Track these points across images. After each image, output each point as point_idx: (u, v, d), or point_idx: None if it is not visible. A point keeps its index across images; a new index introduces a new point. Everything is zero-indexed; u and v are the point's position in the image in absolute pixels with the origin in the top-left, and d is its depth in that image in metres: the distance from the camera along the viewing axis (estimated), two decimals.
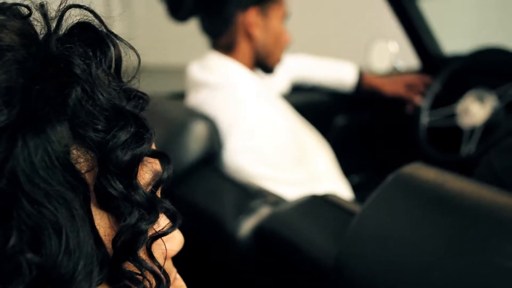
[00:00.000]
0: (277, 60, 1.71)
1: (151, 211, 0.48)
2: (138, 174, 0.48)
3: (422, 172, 0.86)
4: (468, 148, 1.84)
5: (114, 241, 0.47)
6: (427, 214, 0.80)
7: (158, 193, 0.52)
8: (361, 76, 2.16)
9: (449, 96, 2.00)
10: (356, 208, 1.02)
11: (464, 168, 1.74)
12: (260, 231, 1.16)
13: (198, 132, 1.50)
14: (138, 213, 0.47)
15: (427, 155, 1.93)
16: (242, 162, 1.49)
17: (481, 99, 1.87)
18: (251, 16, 1.60)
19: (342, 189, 1.61)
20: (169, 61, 6.78)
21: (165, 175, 0.50)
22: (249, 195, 1.33)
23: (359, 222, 0.89)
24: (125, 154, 0.46)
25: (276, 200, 1.28)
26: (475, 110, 1.87)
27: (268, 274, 1.18)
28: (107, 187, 0.45)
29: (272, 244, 1.13)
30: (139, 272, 0.48)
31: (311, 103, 2.16)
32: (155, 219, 0.48)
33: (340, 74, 2.15)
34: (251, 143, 1.49)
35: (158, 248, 0.51)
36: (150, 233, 0.50)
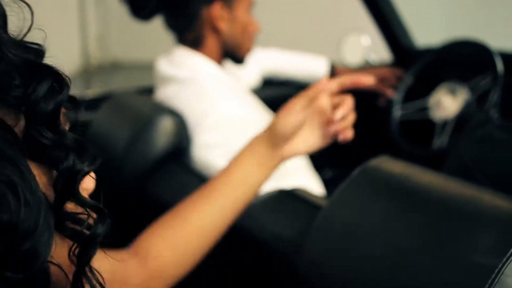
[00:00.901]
0: (247, 50, 1.68)
1: (83, 151, 0.50)
2: None
3: (389, 165, 0.84)
4: (440, 141, 1.83)
5: (55, 185, 0.49)
6: (393, 208, 0.77)
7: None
8: (333, 69, 2.14)
9: (422, 89, 1.98)
10: (324, 202, 0.99)
11: (437, 161, 1.72)
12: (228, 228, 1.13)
13: (165, 127, 1.47)
14: (72, 155, 0.49)
15: (400, 149, 1.92)
16: (210, 158, 1.46)
17: (453, 92, 1.86)
18: (216, 10, 1.57)
19: (313, 184, 1.58)
20: (143, 57, 6.72)
21: (79, 117, 0.53)
22: None
23: (325, 217, 0.87)
24: (48, 104, 0.47)
25: None
26: (447, 103, 1.86)
27: (234, 269, 1.15)
28: (39, 138, 0.47)
29: (238, 239, 1.10)
30: (79, 212, 0.51)
31: (283, 97, 2.12)
32: (87, 158, 0.51)
33: (311, 68, 2.13)
34: (219, 138, 1.46)
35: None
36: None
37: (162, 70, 1.63)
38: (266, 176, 1.02)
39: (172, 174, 1.43)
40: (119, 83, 6.50)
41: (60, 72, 0.50)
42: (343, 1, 2.62)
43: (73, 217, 0.50)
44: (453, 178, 0.78)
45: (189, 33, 1.61)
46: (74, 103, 0.52)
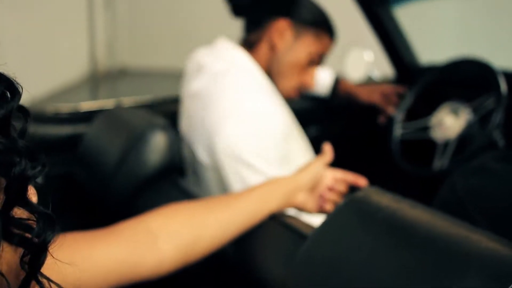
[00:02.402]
0: (284, 90, 1.64)
1: (34, 157, 0.50)
2: None
3: (376, 197, 0.80)
4: (441, 162, 1.79)
5: (7, 189, 0.48)
6: (379, 244, 0.74)
7: None
8: (337, 81, 2.11)
9: (423, 108, 1.95)
10: (310, 231, 0.96)
11: (437, 182, 1.68)
12: (216, 253, 1.09)
13: (157, 144, 1.44)
14: (24, 161, 0.48)
15: (400, 168, 1.88)
16: (238, 149, 1.41)
17: (455, 112, 1.82)
18: (281, 24, 1.56)
19: None
20: (151, 64, 6.72)
21: (27, 125, 0.52)
22: None
23: (309, 247, 0.83)
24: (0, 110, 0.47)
25: None
26: (449, 123, 1.82)
27: None
28: None
29: (221, 264, 1.07)
30: (26, 218, 0.50)
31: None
32: (39, 164, 0.50)
33: (315, 77, 2.11)
34: (248, 129, 1.42)
35: None
36: None
37: (199, 60, 1.62)
38: (284, 201, 1.11)
39: (163, 191, 1.40)
40: (126, 91, 6.48)
41: (12, 79, 0.50)
42: (347, 16, 2.58)
43: (20, 223, 0.50)
44: (441, 214, 0.74)
45: (250, 35, 1.62)
46: (24, 112, 0.52)
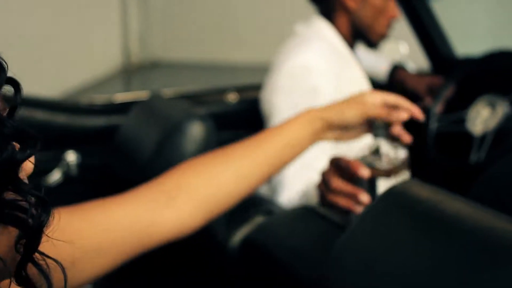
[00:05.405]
0: (379, 35, 1.75)
1: (23, 138, 0.47)
2: None
3: (416, 189, 0.79)
4: (477, 155, 1.77)
5: None
6: (419, 236, 0.73)
7: None
8: (395, 69, 2.14)
9: (460, 101, 1.92)
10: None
11: (473, 176, 1.66)
12: (248, 242, 1.10)
13: (194, 133, 1.44)
14: (11, 146, 0.46)
15: (435, 161, 1.86)
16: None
17: (492, 105, 1.79)
18: None
19: None
20: (184, 56, 6.75)
21: (19, 100, 0.49)
22: (243, 202, 1.27)
23: (347, 240, 0.83)
24: None
25: (270, 210, 1.22)
26: (486, 117, 1.79)
27: (244, 284, 1.12)
28: None
29: (258, 257, 1.07)
30: (19, 199, 0.47)
31: None
32: (31, 148, 0.47)
33: (375, 62, 2.15)
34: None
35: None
36: None
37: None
38: (312, 143, 1.04)
39: None
40: (159, 83, 6.52)
41: None
42: None
43: (15, 204, 0.47)
44: (483, 207, 0.73)
45: (323, 5, 1.72)
46: (15, 86, 0.49)
